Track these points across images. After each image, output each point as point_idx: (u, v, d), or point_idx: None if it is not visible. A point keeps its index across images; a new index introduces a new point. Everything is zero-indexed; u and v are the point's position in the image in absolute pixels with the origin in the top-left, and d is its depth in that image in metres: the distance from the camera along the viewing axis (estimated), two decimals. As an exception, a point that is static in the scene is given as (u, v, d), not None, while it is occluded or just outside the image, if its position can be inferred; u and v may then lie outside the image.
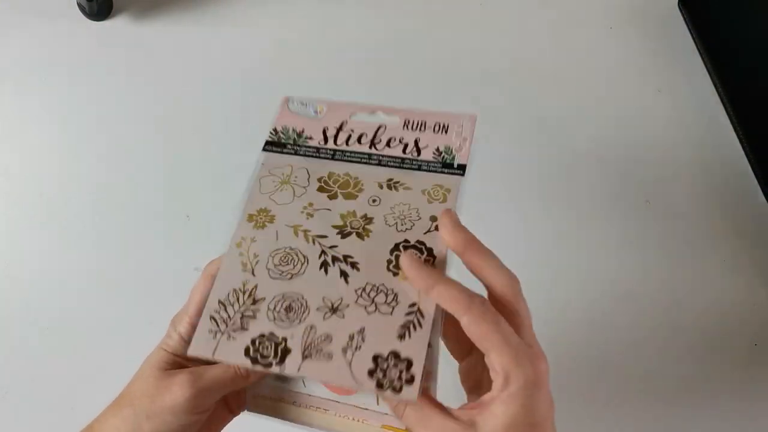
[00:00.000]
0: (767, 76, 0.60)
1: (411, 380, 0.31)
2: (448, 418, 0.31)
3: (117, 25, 0.62)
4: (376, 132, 0.38)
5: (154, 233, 0.56)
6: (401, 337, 0.32)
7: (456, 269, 0.33)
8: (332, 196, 0.36)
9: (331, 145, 0.38)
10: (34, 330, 0.53)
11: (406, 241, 0.35)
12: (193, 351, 0.33)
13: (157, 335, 0.36)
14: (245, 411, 0.37)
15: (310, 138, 0.38)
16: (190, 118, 0.59)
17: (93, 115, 0.59)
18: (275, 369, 0.33)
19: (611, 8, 0.65)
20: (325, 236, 0.35)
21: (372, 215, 0.36)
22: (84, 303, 0.54)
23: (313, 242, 0.35)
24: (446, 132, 0.38)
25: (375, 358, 0.32)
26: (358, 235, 0.35)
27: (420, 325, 0.32)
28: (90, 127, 0.59)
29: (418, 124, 0.38)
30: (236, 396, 0.37)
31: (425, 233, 0.35)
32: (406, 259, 0.33)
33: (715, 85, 0.61)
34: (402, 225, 0.35)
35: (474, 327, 0.31)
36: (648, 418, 0.52)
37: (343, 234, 0.35)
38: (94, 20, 0.62)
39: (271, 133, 0.39)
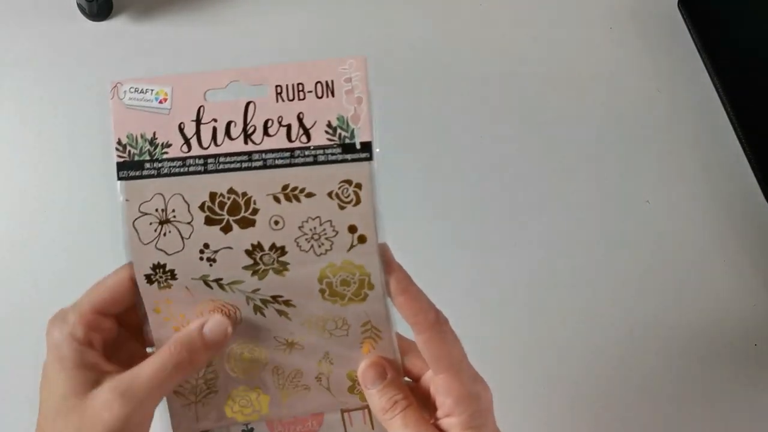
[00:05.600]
0: (767, 76, 0.60)
1: None
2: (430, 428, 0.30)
3: (117, 25, 0.62)
4: (246, 114, 0.30)
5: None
6: (367, 350, 0.32)
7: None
8: (226, 228, 0.30)
9: (197, 150, 0.30)
10: (34, 330, 0.53)
11: (331, 265, 0.30)
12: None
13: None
14: None
15: (168, 145, 0.30)
16: (189, 118, 0.59)
17: (92, 116, 0.59)
18: (263, 417, 0.32)
19: (611, 8, 0.65)
20: (241, 281, 0.30)
21: (281, 243, 0.30)
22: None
23: (232, 290, 0.30)
24: (333, 94, 0.29)
25: (350, 374, 0.33)
26: (276, 271, 0.30)
27: (380, 337, 0.32)
28: (89, 127, 0.59)
29: (293, 90, 0.29)
30: None
31: (349, 250, 0.30)
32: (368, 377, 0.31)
33: (715, 85, 0.61)
34: (319, 247, 0.30)
35: (433, 346, 0.30)
36: (647, 418, 0.52)
37: (259, 275, 0.30)
38: (94, 20, 0.62)
39: (117, 148, 0.30)
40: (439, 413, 0.30)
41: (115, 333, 0.31)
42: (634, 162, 0.60)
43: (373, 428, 0.33)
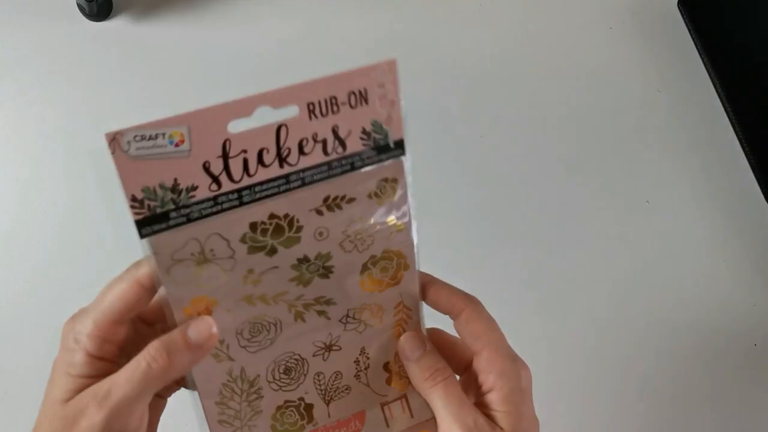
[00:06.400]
0: (767, 76, 0.60)
1: None
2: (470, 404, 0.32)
3: (117, 25, 0.62)
4: (278, 138, 0.27)
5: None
6: (399, 334, 0.33)
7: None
8: (270, 252, 0.28)
9: (228, 185, 0.27)
10: (35, 330, 0.53)
11: (372, 257, 0.30)
12: None
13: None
14: None
15: (194, 188, 0.26)
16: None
17: (92, 116, 0.59)
18: (308, 428, 0.32)
19: (611, 8, 0.65)
20: (285, 292, 0.29)
21: (326, 250, 0.29)
22: (84, 303, 0.54)
23: (276, 302, 0.30)
24: (366, 101, 0.28)
25: (386, 366, 0.33)
26: (321, 276, 0.30)
27: (410, 317, 0.33)
28: (89, 128, 0.59)
29: (326, 105, 0.27)
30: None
31: (388, 240, 0.31)
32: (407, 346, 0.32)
33: (715, 85, 0.61)
34: (362, 244, 0.30)
35: (471, 323, 0.31)
36: (647, 419, 0.52)
37: (304, 283, 0.30)
38: (94, 20, 0.62)
39: (132, 205, 0.26)
40: (483, 389, 0.31)
41: (132, 332, 0.30)
42: (634, 162, 0.60)
43: (412, 416, 0.33)
